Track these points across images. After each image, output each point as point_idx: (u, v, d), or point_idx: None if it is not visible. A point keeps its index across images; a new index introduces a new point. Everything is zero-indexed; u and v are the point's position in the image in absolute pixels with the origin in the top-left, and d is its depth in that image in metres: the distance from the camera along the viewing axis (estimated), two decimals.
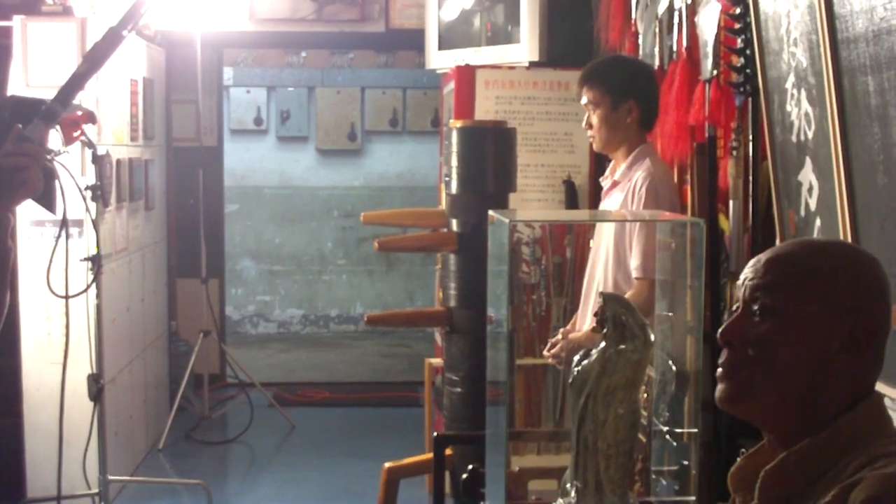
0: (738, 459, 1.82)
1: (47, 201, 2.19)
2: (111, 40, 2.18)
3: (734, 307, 1.79)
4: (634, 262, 3.77)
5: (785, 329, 1.70)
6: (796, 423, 1.71)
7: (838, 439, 1.67)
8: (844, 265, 1.72)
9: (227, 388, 8.32)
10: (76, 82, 2.15)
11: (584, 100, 3.99)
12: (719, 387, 1.76)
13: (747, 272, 1.78)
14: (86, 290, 4.50)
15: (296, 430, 7.47)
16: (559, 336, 3.98)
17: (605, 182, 4.09)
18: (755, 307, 1.73)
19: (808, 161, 2.85)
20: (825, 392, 1.69)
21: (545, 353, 4.03)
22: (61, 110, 2.12)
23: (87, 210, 4.33)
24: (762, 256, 1.77)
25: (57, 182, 2.21)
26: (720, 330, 1.77)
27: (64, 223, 2.27)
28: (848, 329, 1.68)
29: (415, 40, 6.87)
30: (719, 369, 1.76)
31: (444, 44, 6.17)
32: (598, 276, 3.98)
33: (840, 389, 1.69)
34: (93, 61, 2.15)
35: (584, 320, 3.98)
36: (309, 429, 7.55)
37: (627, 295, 3.66)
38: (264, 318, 11.40)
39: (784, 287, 1.72)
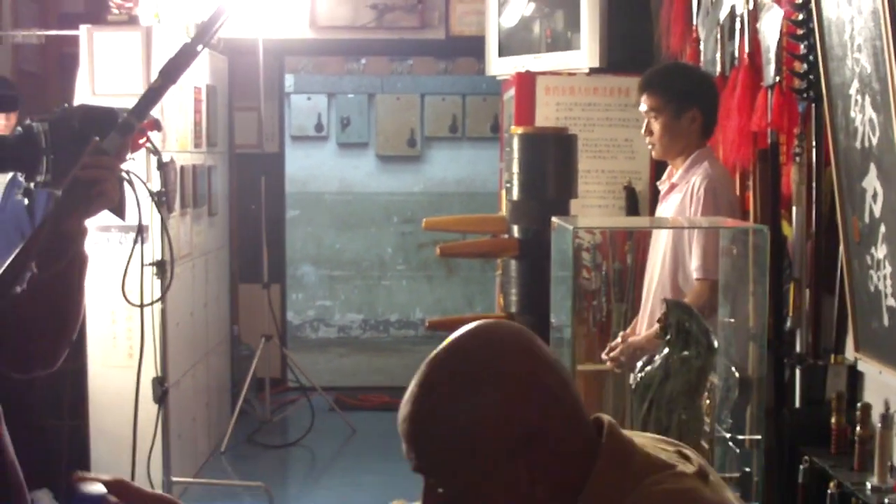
0: None
1: (118, 209, 2.23)
2: (186, 55, 2.21)
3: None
4: (695, 262, 3.76)
5: (459, 493, 1.54)
6: None
7: None
8: (465, 401, 1.52)
9: (288, 392, 8.37)
10: (152, 96, 2.19)
11: (643, 106, 3.97)
12: None
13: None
14: (160, 299, 4.55)
15: (356, 434, 7.51)
16: (619, 339, 3.98)
17: (663, 186, 4.08)
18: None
19: (872, 167, 2.84)
20: None
21: (604, 356, 4.03)
22: (137, 123, 2.17)
23: (161, 216, 4.38)
24: (403, 409, 1.59)
25: (126, 190, 2.26)
26: None
27: (139, 230, 2.30)
28: (519, 472, 1.51)
29: (475, 47, 6.89)
30: None
31: (503, 50, 6.18)
32: (656, 279, 3.97)
33: (560, 495, 1.54)
34: (168, 76, 2.19)
35: (644, 324, 3.98)
36: (369, 433, 7.58)
37: (688, 296, 3.65)
38: (325, 322, 11.46)
39: (421, 456, 1.57)
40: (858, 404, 3.08)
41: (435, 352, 1.58)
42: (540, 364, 1.55)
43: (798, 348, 3.64)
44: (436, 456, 1.54)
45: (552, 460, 1.52)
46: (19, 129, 2.26)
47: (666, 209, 4.02)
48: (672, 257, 3.88)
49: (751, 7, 4.04)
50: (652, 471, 1.54)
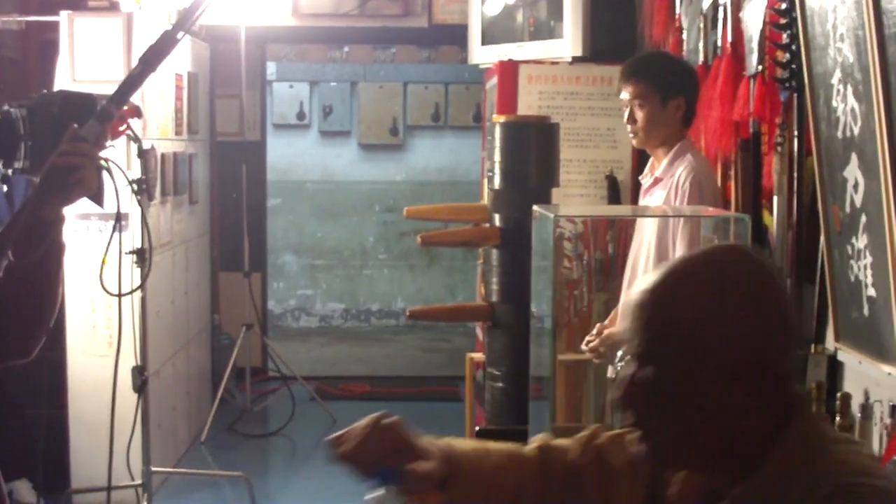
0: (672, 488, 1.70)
1: (96, 196, 2.21)
2: (166, 42, 2.20)
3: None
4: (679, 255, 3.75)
5: (667, 390, 1.56)
6: (725, 472, 1.60)
7: (771, 479, 1.54)
8: (715, 307, 1.55)
9: (268, 382, 8.36)
10: (132, 83, 2.17)
11: (624, 95, 3.94)
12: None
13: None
14: (140, 288, 4.52)
15: (337, 424, 7.49)
16: (595, 331, 3.98)
17: (646, 180, 4.06)
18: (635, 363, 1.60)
19: (853, 157, 2.84)
20: (740, 440, 1.57)
21: (583, 346, 4.03)
22: (116, 111, 2.15)
23: (140, 204, 4.34)
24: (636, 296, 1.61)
25: (106, 177, 2.24)
26: (618, 395, 1.63)
27: (118, 219, 2.28)
28: (731, 395, 1.54)
29: (457, 35, 6.88)
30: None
31: (486, 39, 6.17)
32: (639, 272, 3.96)
33: (755, 431, 1.56)
34: (148, 63, 2.18)
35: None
36: (350, 422, 7.36)
37: None
38: (306, 312, 11.44)
39: (650, 343, 1.58)
40: (838, 394, 3.08)
41: (694, 253, 1.66)
42: (788, 308, 1.61)
43: None
44: (662, 348, 1.56)
45: (766, 397, 1.54)
46: None
47: (650, 204, 4.01)
48: (657, 250, 3.87)
49: None
50: (838, 441, 1.58)
